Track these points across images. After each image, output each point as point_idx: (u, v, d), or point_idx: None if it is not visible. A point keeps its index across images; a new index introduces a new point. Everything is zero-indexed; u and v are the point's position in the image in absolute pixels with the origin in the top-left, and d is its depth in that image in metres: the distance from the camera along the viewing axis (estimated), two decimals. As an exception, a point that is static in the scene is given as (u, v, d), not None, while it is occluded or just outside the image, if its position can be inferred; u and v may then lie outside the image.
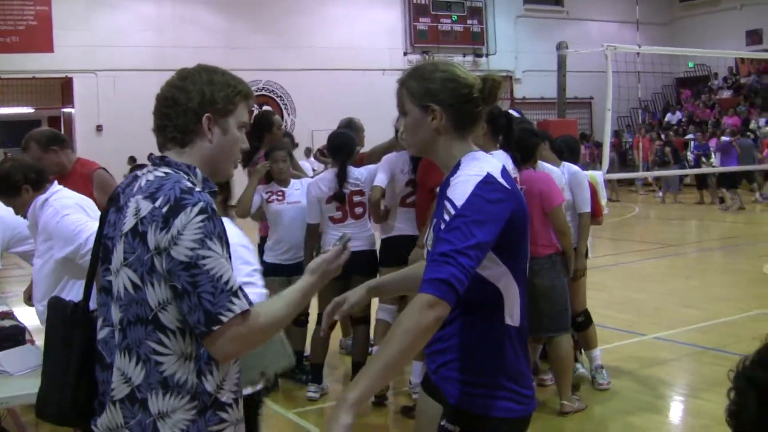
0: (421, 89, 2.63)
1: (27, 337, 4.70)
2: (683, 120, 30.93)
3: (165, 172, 2.40)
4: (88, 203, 4.66)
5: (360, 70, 27.05)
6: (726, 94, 31.07)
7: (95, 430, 2.47)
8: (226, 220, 3.54)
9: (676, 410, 6.49)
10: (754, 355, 1.53)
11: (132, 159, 21.10)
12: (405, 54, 28.59)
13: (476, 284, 2.45)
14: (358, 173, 6.69)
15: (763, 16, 31.12)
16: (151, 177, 2.40)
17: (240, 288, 2.30)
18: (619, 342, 8.16)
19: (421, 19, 29.19)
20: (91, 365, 2.51)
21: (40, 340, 3.31)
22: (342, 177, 6.63)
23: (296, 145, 7.63)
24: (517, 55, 30.84)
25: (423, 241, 2.83)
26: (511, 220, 2.47)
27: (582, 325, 6.61)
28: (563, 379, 6.10)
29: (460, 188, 2.46)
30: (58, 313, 2.67)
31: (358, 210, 6.66)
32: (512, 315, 2.58)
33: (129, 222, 2.32)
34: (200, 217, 2.26)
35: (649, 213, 22.36)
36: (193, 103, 2.44)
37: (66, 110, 25.49)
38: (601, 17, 31.77)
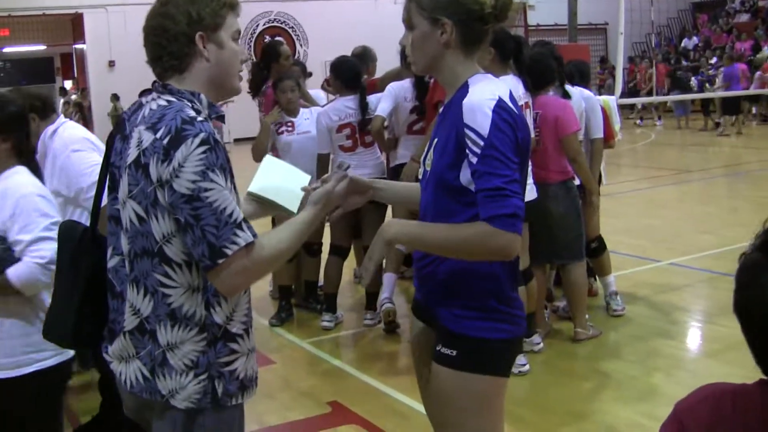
0: (432, 2, 2.57)
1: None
2: (700, 45, 30.48)
3: (168, 101, 2.36)
4: (93, 137, 4.64)
5: (372, 0, 26.72)
6: (744, 18, 30.57)
7: (106, 357, 2.48)
8: (21, 168, 3.48)
9: (690, 336, 6.49)
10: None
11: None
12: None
13: (472, 207, 2.47)
14: (367, 101, 6.65)
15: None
16: (154, 106, 2.36)
17: (244, 220, 2.26)
18: (633, 268, 8.15)
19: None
20: (98, 291, 2.51)
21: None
22: (364, 104, 6.62)
23: (309, 75, 7.54)
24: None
25: (420, 158, 2.80)
26: (517, 146, 2.46)
27: (596, 251, 6.59)
28: (577, 305, 6.09)
29: (479, 115, 2.43)
30: (68, 236, 2.68)
31: (368, 138, 6.64)
32: None
33: (132, 153, 2.30)
34: (201, 149, 2.21)
35: (659, 139, 22.17)
36: (181, 26, 2.37)
37: (78, 47, 25.38)
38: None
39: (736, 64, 22.21)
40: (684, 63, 28.56)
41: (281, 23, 26.56)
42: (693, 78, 25.01)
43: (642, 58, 28.19)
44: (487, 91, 2.50)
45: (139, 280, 2.34)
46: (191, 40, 2.39)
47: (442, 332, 2.65)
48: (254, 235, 2.27)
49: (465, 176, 2.49)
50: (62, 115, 4.73)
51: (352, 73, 6.76)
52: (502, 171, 2.38)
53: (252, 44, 26.12)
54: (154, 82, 2.47)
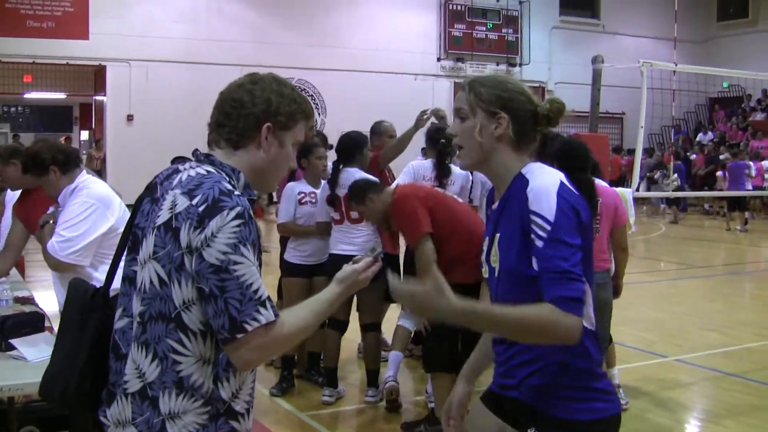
0: (492, 96, 2.64)
1: (46, 323, 4.72)
2: (715, 140, 30.67)
3: (207, 170, 2.38)
4: (114, 200, 4.71)
5: (392, 73, 26.97)
6: (759, 116, 30.79)
7: (104, 420, 2.45)
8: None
9: (693, 435, 6.40)
10: None
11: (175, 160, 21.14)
12: (438, 60, 28.55)
13: None
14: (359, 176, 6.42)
15: (800, 39, 30.93)
16: (192, 173, 2.37)
17: (268, 298, 2.27)
18: (638, 362, 8.09)
19: (456, 25, 29.08)
20: (103, 353, 2.49)
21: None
22: (334, 179, 6.59)
23: (330, 147, 7.57)
24: (551, 66, 30.71)
25: (483, 260, 2.76)
26: (581, 227, 2.51)
27: (603, 342, 6.56)
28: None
29: (545, 200, 2.47)
30: (77, 295, 2.64)
31: (354, 214, 6.47)
32: (589, 318, 2.54)
33: (163, 215, 2.30)
34: (236, 222, 2.24)
35: (669, 231, 22.19)
36: (257, 109, 2.43)
37: (98, 98, 25.62)
38: (636, 32, 31.54)
39: (742, 161, 22.34)
40: (694, 156, 28.69)
41: (301, 90, 26.69)
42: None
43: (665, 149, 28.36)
44: (549, 177, 2.55)
45: (150, 344, 2.31)
46: (259, 126, 2.44)
47: (543, 420, 2.59)
48: (276, 315, 2.28)
49: (535, 264, 2.49)
50: (84, 171, 4.80)
51: (344, 146, 6.75)
52: (568, 255, 2.41)
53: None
54: (195, 150, 2.51)
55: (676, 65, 16.03)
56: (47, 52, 22.92)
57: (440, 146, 6.74)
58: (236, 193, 2.31)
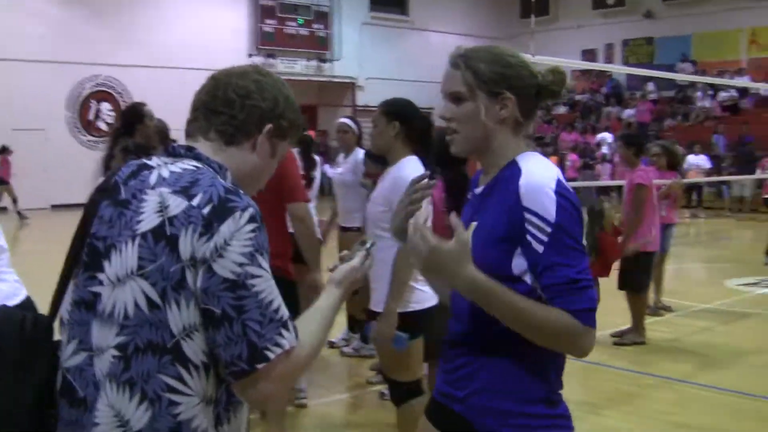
0: (494, 74, 2.31)
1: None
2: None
3: (195, 166, 1.98)
4: None
5: (203, 70, 26.33)
6: (562, 109, 32.13)
7: None
8: None
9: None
10: None
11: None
12: (250, 56, 28.28)
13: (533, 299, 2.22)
14: None
15: (598, 36, 32.61)
16: (176, 169, 1.96)
17: (289, 317, 1.90)
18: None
19: (267, 21, 28.94)
20: (52, 399, 1.99)
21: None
22: None
23: (173, 141, 7.23)
24: (361, 62, 31.01)
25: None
26: (582, 228, 2.28)
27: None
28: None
29: (543, 197, 2.18)
30: (9, 327, 2.02)
31: None
32: None
33: (149, 220, 1.87)
34: (251, 226, 1.86)
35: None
36: (265, 104, 2.06)
37: None
38: (444, 29, 32.31)
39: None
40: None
41: (109, 88, 26.01)
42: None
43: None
44: (546, 171, 2.25)
45: (136, 383, 1.85)
46: (261, 124, 2.07)
47: None
48: (297, 336, 1.90)
49: (519, 265, 2.22)
50: None
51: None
52: (574, 259, 2.15)
53: (78, 108, 25.51)
54: (173, 144, 2.12)
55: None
56: None
57: (306, 138, 6.68)
58: (241, 191, 1.94)
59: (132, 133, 6.92)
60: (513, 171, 2.27)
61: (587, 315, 2.14)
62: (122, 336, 1.85)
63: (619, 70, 31.55)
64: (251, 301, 1.82)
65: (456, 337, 2.41)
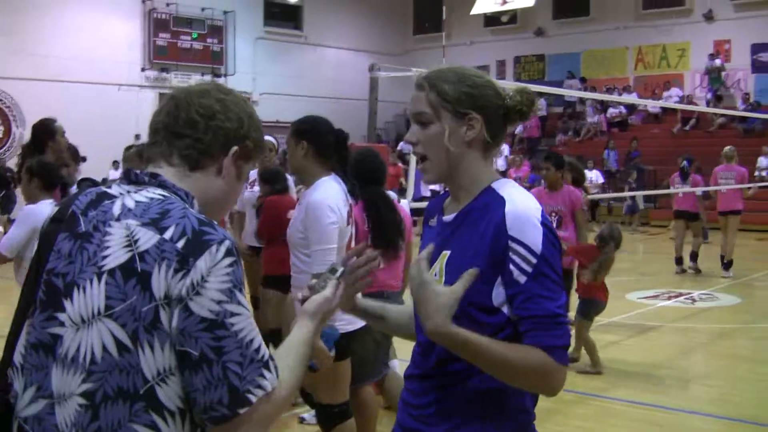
0: (460, 93, 2.24)
1: None
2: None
3: (162, 195, 1.84)
4: None
5: (95, 84, 25.83)
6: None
7: None
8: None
9: None
10: None
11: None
12: (143, 69, 27.72)
13: (500, 332, 2.14)
14: None
15: (490, 53, 33.17)
16: (141, 198, 1.83)
17: (271, 357, 1.80)
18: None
19: (161, 35, 28.34)
20: None
21: None
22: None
23: (83, 159, 6.94)
24: (255, 76, 30.73)
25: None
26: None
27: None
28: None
29: (530, 227, 2.10)
30: None
31: None
32: None
33: (116, 256, 1.73)
34: (228, 260, 1.74)
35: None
36: (230, 125, 1.93)
37: None
38: (337, 44, 32.35)
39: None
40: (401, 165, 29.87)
41: (-3, 101, 25.12)
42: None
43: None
44: (530, 201, 2.18)
45: None
46: (227, 147, 1.94)
47: None
48: (278, 375, 1.80)
49: (498, 295, 2.13)
50: None
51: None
52: (555, 294, 2.09)
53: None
54: (131, 171, 1.95)
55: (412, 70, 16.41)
56: None
57: None
58: (214, 222, 1.82)
59: (43, 150, 6.66)
60: (494, 199, 2.19)
61: (561, 353, 2.08)
62: (89, 383, 1.71)
63: (510, 86, 32.10)
64: (231, 341, 1.71)
65: (424, 370, 2.29)
